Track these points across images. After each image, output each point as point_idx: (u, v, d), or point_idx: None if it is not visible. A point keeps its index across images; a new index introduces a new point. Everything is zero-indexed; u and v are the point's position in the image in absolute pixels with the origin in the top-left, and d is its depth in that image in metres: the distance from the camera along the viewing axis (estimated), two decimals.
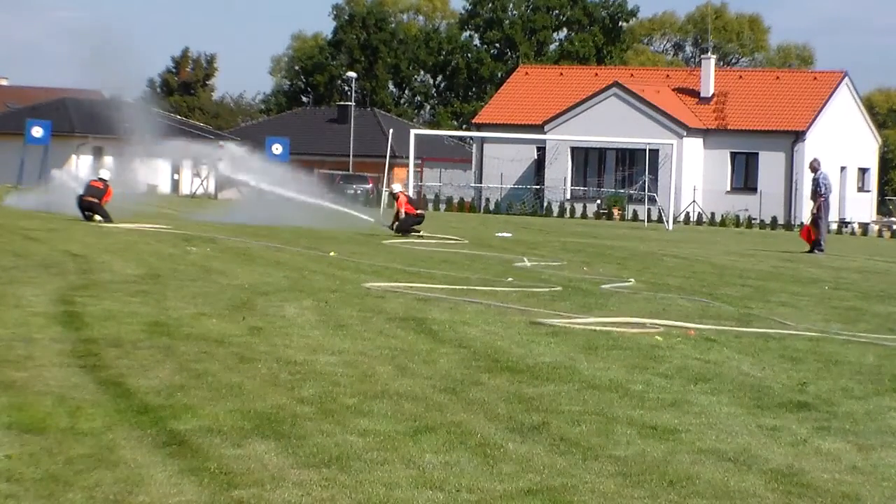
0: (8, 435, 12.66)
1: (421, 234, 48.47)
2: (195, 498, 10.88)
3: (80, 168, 53.07)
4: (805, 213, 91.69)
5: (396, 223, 49.86)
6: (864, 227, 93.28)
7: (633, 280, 34.39)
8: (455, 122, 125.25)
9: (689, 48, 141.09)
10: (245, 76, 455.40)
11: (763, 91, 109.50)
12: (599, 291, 30.69)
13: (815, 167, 59.01)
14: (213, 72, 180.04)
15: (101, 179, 49.23)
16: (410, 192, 53.19)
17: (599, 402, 15.99)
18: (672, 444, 13.75)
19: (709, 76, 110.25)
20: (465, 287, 29.98)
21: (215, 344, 18.88)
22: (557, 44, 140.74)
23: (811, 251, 55.34)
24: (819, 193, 58.05)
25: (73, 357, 17.36)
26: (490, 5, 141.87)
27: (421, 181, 74.35)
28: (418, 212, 50.14)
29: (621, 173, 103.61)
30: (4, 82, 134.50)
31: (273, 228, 48.26)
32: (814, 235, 58.63)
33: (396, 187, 55.28)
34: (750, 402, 16.54)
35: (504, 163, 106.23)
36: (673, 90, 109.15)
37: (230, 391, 15.41)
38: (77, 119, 77.16)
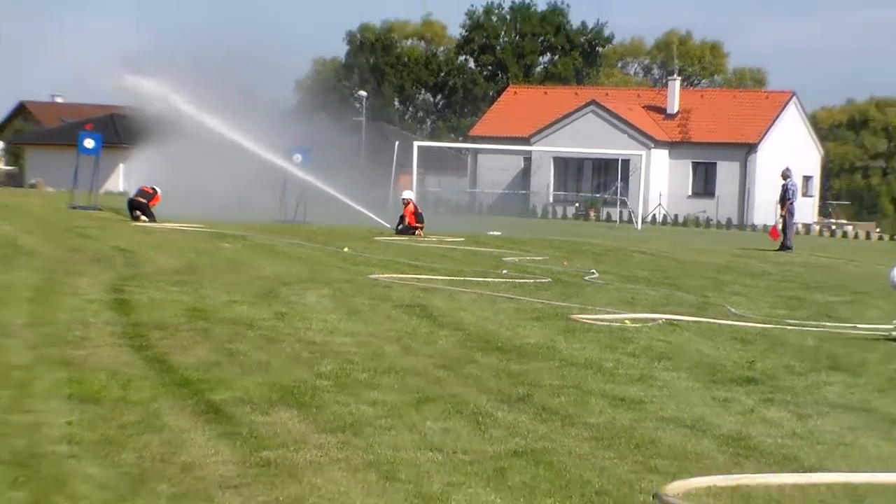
0: (69, 404, 12.74)
1: (421, 235, 48.27)
2: (229, 458, 10.99)
3: (127, 175, 52.71)
4: (759, 216, 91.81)
5: (400, 226, 49.66)
6: (808, 227, 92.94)
7: (595, 271, 34.28)
8: (452, 135, 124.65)
9: (657, 70, 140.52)
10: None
11: (721, 108, 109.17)
12: (581, 283, 30.68)
13: (786, 175, 58.78)
14: None
15: (151, 186, 49.14)
16: (413, 199, 52.54)
17: (576, 377, 16.04)
18: (638, 413, 13.84)
19: (674, 95, 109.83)
20: (461, 278, 29.96)
21: (245, 327, 18.92)
22: (542, 66, 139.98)
23: (781, 249, 55.34)
24: (787, 198, 58.10)
25: (123, 338, 17.40)
26: (483, 32, 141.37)
27: (423, 187, 74.38)
28: (418, 224, 49.81)
29: (597, 180, 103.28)
30: (60, 100, 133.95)
31: (293, 227, 48.03)
32: (775, 236, 58.90)
33: (408, 194, 54.82)
34: (705, 378, 16.59)
35: (495, 171, 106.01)
36: (643, 107, 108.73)
37: (259, 367, 15.48)
38: (123, 132, 76.70)
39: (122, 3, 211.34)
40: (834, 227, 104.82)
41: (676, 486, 10.57)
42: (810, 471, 11.52)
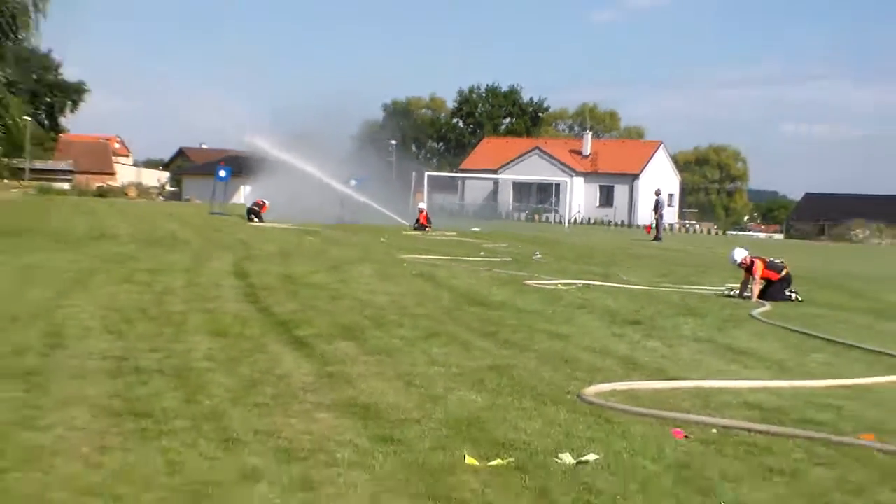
0: (208, 337, 12.69)
1: (429, 231, 48.36)
2: (308, 371, 10.90)
3: (247, 194, 52.99)
4: (641, 219, 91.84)
5: (416, 225, 49.72)
6: (671, 226, 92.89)
7: (539, 253, 34.22)
8: (449, 168, 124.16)
9: (576, 127, 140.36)
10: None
11: (616, 151, 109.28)
12: (530, 261, 30.63)
13: (658, 193, 60.98)
14: None
15: (262, 199, 49.63)
16: (426, 209, 52.85)
17: (527, 320, 15.94)
18: (566, 342, 13.73)
19: (587, 143, 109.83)
20: (454, 258, 29.90)
21: (319, 289, 18.85)
22: (505, 125, 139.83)
23: (654, 240, 55.75)
24: (658, 208, 59.02)
25: (242, 295, 17.37)
26: (468, 104, 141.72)
27: (429, 200, 74.02)
28: (427, 224, 49.92)
29: (539, 196, 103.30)
30: (205, 146, 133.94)
31: (348, 225, 48.17)
32: (650, 232, 59.94)
33: (422, 205, 54.91)
34: (608, 320, 16.50)
35: (476, 190, 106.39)
36: (568, 151, 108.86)
37: (327, 314, 15.40)
38: (244, 166, 76.39)
39: (244, 82, 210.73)
40: (688, 226, 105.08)
41: (591, 389, 10.49)
42: (674, 379, 11.46)
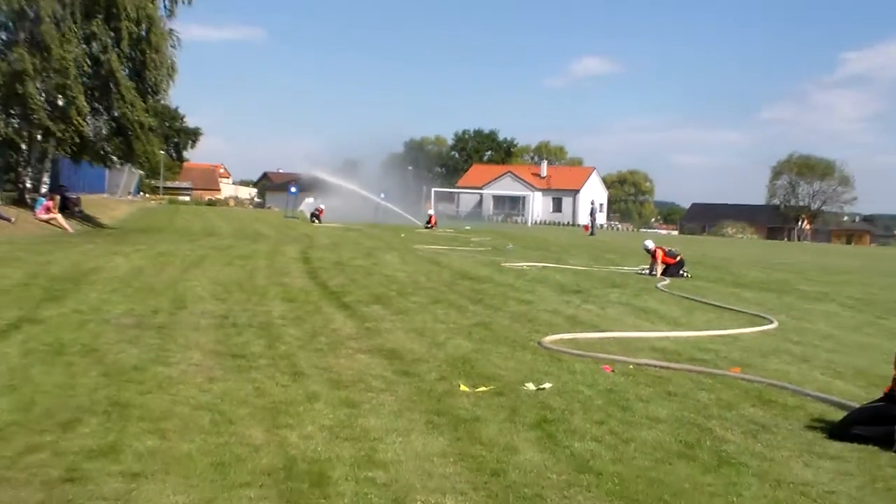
0: (282, 302, 12.63)
1: (434, 229, 48.23)
2: (352, 326, 10.86)
3: (310, 203, 53.44)
4: (581, 221, 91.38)
5: (427, 225, 49.45)
6: (602, 226, 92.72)
7: (511, 245, 34.14)
8: (449, 185, 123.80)
9: (536, 157, 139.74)
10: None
11: (564, 174, 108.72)
12: (505, 250, 30.57)
13: (592, 202, 62.10)
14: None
15: (320, 206, 49.33)
16: (434, 213, 52.88)
17: (502, 290, 15.87)
18: (530, 306, 13.69)
19: (544, 168, 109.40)
20: (453, 248, 29.85)
21: (359, 268, 18.79)
22: (486, 156, 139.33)
23: (590, 235, 55.71)
24: (592, 213, 59.31)
25: (306, 273, 17.26)
26: (462, 142, 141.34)
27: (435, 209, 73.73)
28: (435, 224, 49.74)
29: (511, 205, 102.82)
30: (281, 170, 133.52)
31: (378, 224, 48.06)
32: (586, 230, 59.75)
33: (430, 211, 54.76)
34: (559, 291, 16.44)
35: (467, 202, 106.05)
36: (531, 173, 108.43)
37: (364, 286, 15.34)
38: (306, 184, 76.46)
39: (306, 119, 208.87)
40: (613, 226, 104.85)
41: (547, 339, 10.47)
42: (604, 331, 11.45)
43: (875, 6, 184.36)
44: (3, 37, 27.79)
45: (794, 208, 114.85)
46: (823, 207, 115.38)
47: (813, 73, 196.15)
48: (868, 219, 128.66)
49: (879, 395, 7.15)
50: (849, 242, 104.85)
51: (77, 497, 4.85)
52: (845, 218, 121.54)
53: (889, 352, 9.64)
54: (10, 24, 27.57)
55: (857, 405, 7.37)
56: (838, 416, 7.23)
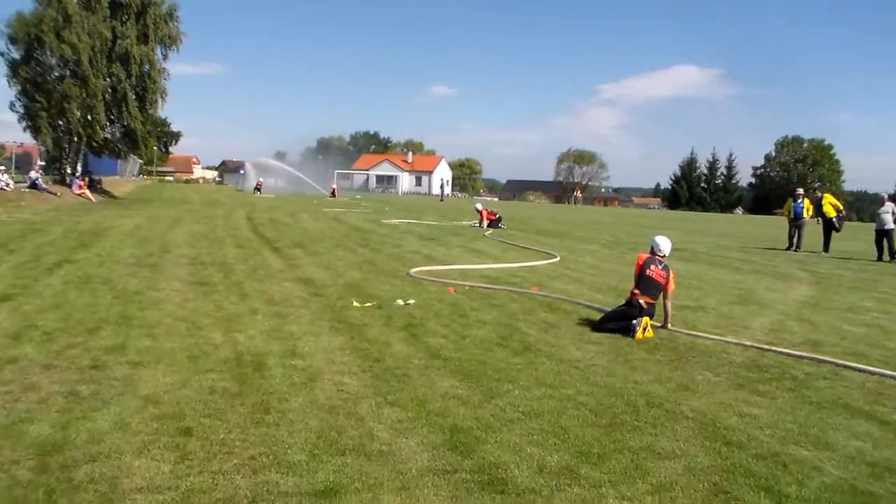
0: (234, 248, 12.15)
1: (336, 198, 46.78)
2: (280, 263, 10.62)
3: (253, 178, 51.47)
4: (434, 192, 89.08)
5: (330, 196, 47.46)
6: (448, 195, 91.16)
7: (388, 208, 33.26)
8: (347, 168, 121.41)
9: (405, 149, 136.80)
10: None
11: (423, 160, 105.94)
12: (385, 211, 30.06)
13: (442, 179, 59.91)
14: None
15: (261, 181, 46.74)
16: (336, 187, 50.79)
17: (381, 238, 15.60)
18: (400, 249, 13.50)
19: (410, 157, 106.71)
20: (349, 210, 29.18)
21: (285, 224, 18.27)
22: (372, 148, 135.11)
23: (441, 201, 53.17)
24: (442, 187, 58.49)
25: (250, 228, 16.63)
26: (355, 139, 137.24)
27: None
28: (336, 195, 48.06)
29: (388, 182, 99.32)
30: (235, 159, 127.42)
31: (301, 195, 46.18)
32: (438, 198, 58.29)
33: (334, 185, 52.62)
34: (419, 238, 16.16)
35: (359, 179, 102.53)
36: (402, 160, 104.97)
37: (289, 236, 14.99)
38: (257, 170, 73.26)
39: (272, 118, 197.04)
40: (458, 195, 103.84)
41: (413, 270, 10.43)
42: (449, 265, 11.37)
43: (621, 54, 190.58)
44: (56, 73, 28.68)
45: (572, 184, 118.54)
46: (589, 183, 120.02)
47: (581, 97, 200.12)
48: (616, 190, 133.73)
49: (622, 302, 7.48)
50: (605, 205, 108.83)
51: (100, 378, 4.89)
52: (602, 190, 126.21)
53: (628, 275, 10.06)
54: (61, 65, 28.69)
55: (609, 309, 7.69)
56: (597, 316, 7.55)
